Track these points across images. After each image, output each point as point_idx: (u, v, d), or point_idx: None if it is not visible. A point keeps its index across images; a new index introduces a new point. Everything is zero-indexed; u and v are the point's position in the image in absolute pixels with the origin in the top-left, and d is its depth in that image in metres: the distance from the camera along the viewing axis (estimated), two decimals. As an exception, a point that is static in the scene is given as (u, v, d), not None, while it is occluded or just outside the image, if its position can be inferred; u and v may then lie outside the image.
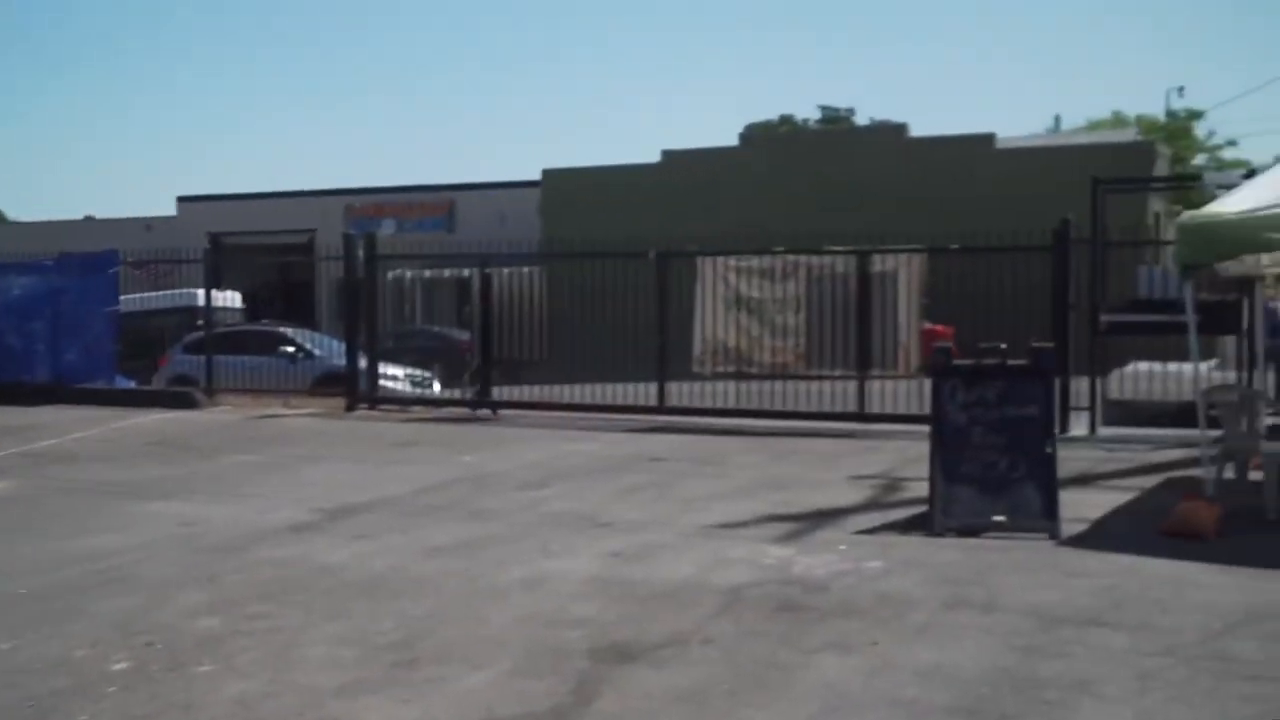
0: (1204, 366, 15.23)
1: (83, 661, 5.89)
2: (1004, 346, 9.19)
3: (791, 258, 15.06)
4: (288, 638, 6.22)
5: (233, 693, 5.41)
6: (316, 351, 20.17)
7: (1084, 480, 10.49)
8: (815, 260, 14.96)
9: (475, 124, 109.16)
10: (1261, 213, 8.22)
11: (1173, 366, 14.24)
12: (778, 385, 15.04)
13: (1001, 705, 5.12)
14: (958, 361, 9.07)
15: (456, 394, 18.19)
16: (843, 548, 8.06)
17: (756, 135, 46.36)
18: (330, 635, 6.25)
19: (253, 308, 22.74)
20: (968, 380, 8.90)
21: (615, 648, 5.96)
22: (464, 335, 21.51)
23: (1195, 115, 61.17)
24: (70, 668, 5.79)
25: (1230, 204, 8.79)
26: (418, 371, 19.50)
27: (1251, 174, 13.81)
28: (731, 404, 15.04)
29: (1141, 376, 14.14)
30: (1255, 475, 9.72)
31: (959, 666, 5.61)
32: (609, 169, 33.81)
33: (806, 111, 64.53)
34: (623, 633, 6.21)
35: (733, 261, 15.36)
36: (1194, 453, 11.96)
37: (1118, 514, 9.27)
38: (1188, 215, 8.93)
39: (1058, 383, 10.55)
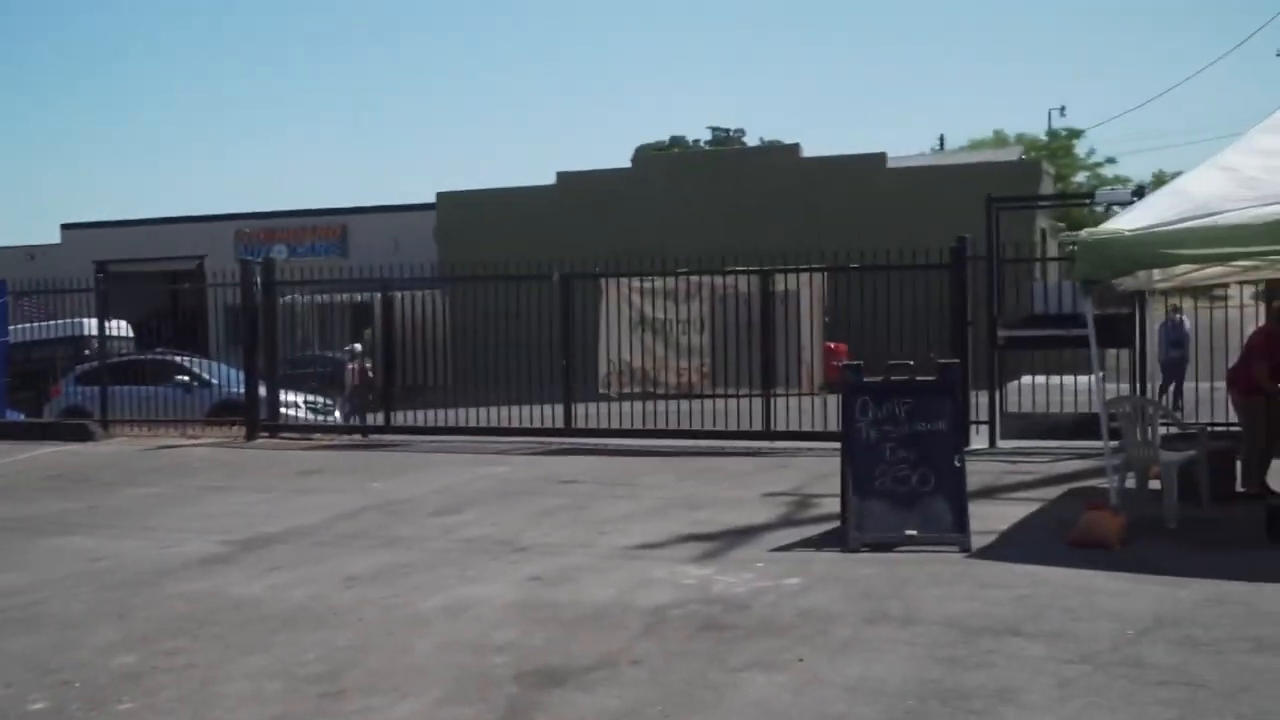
0: (1089, 380, 15.65)
1: (-3, 703, 5.74)
2: (912, 363, 9.35)
3: (695, 278, 15.15)
4: (208, 673, 6.11)
5: (156, 731, 5.30)
6: (212, 380, 19.82)
7: (988, 493, 10.69)
8: (719, 280, 15.05)
9: (367, 148, 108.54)
10: (1160, 229, 8.45)
11: (1056, 380, 14.62)
12: (684, 405, 15.11)
13: (929, 717, 5.20)
14: (868, 379, 9.17)
15: (356, 420, 17.99)
16: (760, 565, 8.13)
17: (650, 156, 46.65)
18: (252, 669, 6.15)
19: (141, 336, 22.28)
20: (877, 397, 9.03)
21: (543, 672, 5.95)
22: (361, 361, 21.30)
23: (1075, 134, 62.83)
24: (-16, 710, 5.64)
25: (1127, 221, 9.02)
26: (317, 398, 19.25)
27: (1140, 192, 14.24)
28: (638, 425, 15.06)
29: (1028, 390, 14.45)
30: (1154, 484, 10.00)
31: (885, 680, 5.68)
32: (504, 191, 33.77)
33: (697, 133, 65.24)
34: (549, 657, 6.20)
35: (637, 282, 15.41)
36: (1091, 464, 12.31)
37: (1024, 525, 9.46)
38: (1087, 232, 9.15)
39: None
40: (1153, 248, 8.61)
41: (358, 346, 19.76)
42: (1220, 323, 14.13)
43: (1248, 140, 9.89)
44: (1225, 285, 14.35)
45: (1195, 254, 8.74)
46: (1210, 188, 9.07)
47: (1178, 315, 19.50)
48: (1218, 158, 9.83)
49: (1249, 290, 17.68)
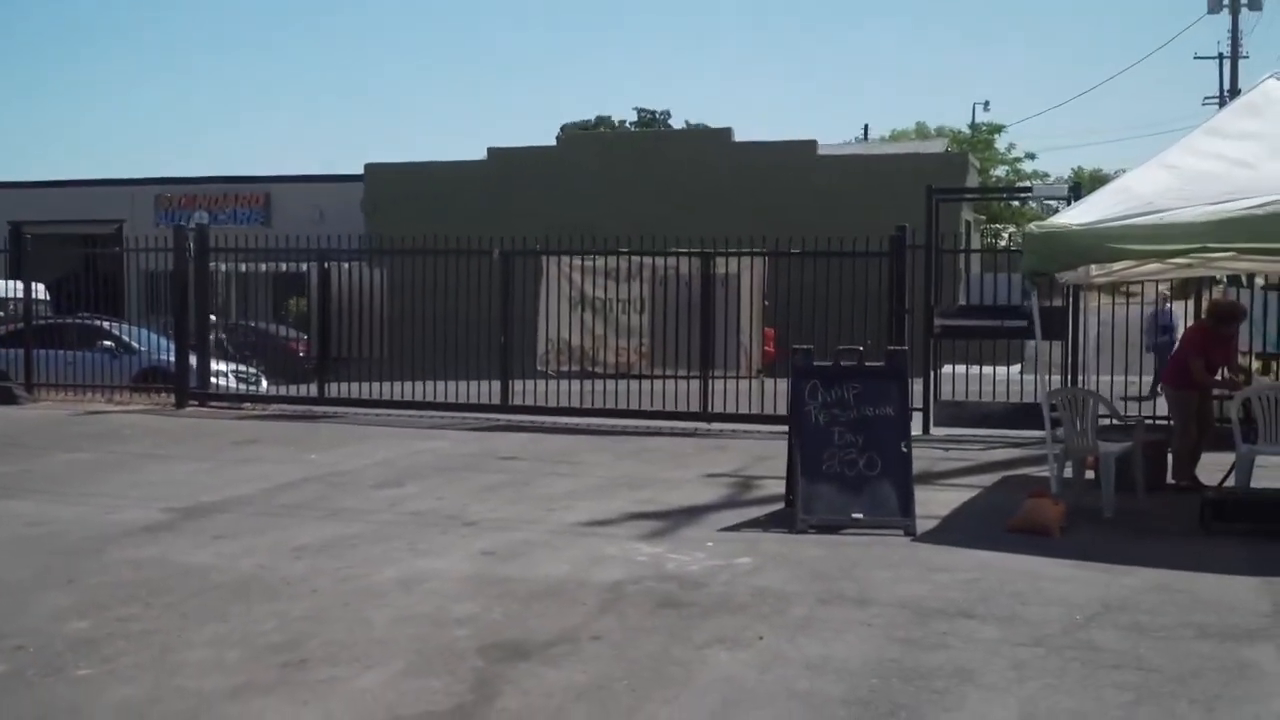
0: (1012, 370, 15.94)
1: (-52, 668, 5.63)
2: (862, 349, 9.46)
3: (636, 258, 15.16)
4: (165, 640, 6.05)
5: (118, 698, 5.24)
6: (138, 346, 19.47)
7: (926, 478, 10.82)
8: (659, 261, 15.08)
9: (293, 115, 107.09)
10: (1107, 224, 8.63)
11: (976, 370, 14.85)
12: (622, 385, 15.13)
13: (893, 695, 5.29)
14: (817, 363, 9.26)
15: (283, 391, 17.78)
16: (710, 545, 8.19)
17: (581, 134, 46.54)
18: (210, 637, 6.10)
19: (57, 300, 21.82)
20: (827, 381, 9.12)
21: (505, 646, 5.96)
22: (286, 331, 21.05)
23: (996, 129, 63.67)
24: (-64, 675, 5.53)
25: (1074, 216, 9.20)
26: (245, 368, 19.01)
27: (1077, 189, 14.54)
28: (576, 404, 15.06)
29: (950, 379, 14.65)
30: (1089, 474, 10.21)
31: (846, 659, 5.77)
32: (434, 164, 33.50)
33: (623, 113, 65.09)
34: (510, 631, 6.21)
35: (578, 261, 15.38)
36: (1023, 452, 12.56)
37: (964, 511, 9.62)
38: (1035, 225, 9.32)
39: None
40: (1100, 242, 8.79)
41: None
42: (1134, 319, 14.41)
43: (1191, 140, 10.10)
44: (1140, 283, 14.64)
45: (1141, 249, 8.91)
46: (1155, 186, 9.27)
47: (1167, 304, 19.88)
48: (1162, 156, 10.03)
49: (1163, 287, 18.09)
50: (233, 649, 5.90)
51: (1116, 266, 10.85)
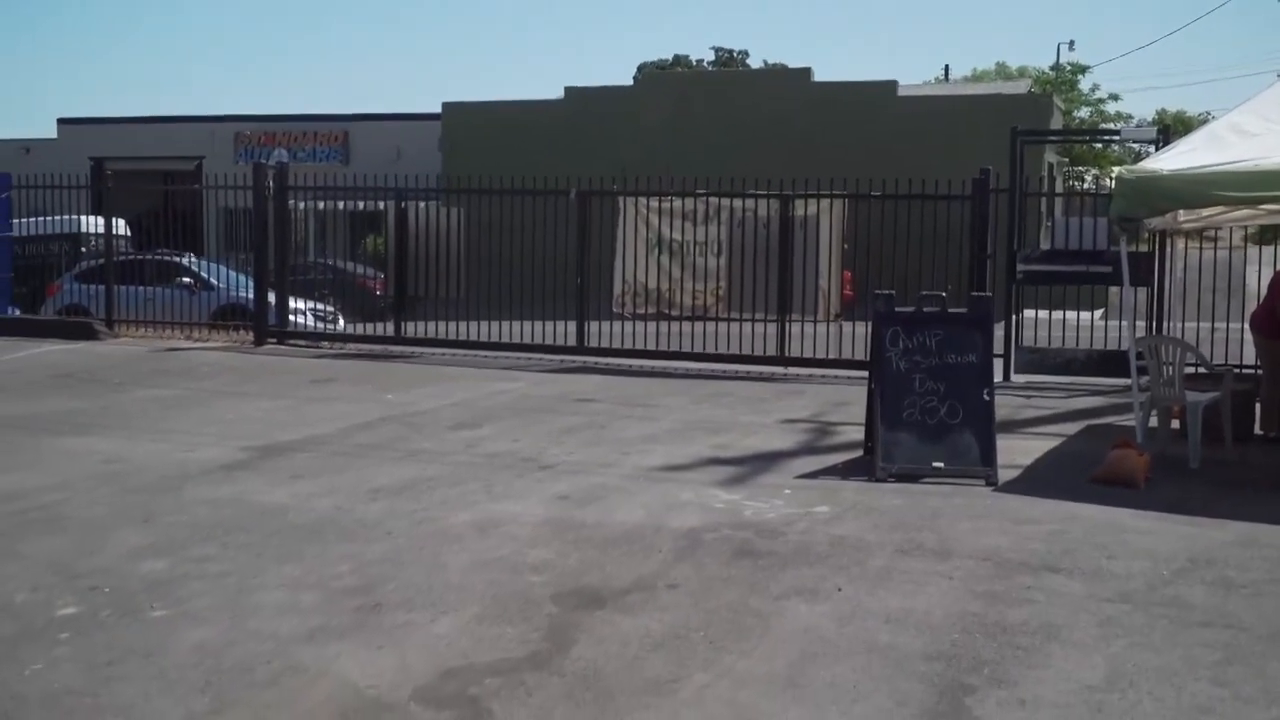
0: (1097, 315, 15.62)
1: (25, 607, 5.68)
2: (945, 294, 9.27)
3: (714, 200, 14.97)
4: (240, 581, 6.07)
5: (193, 640, 5.25)
6: (216, 283, 19.63)
7: (1007, 427, 10.60)
8: (737, 203, 14.88)
9: (371, 54, 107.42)
10: (1200, 170, 8.40)
11: (1059, 315, 14.54)
12: (698, 327, 15.00)
13: (976, 651, 5.18)
14: (899, 309, 9.09)
15: (359, 330, 17.83)
16: (788, 492, 8.09)
17: (659, 74, 46.17)
18: (285, 579, 6.11)
19: (137, 236, 22.02)
20: (909, 327, 8.95)
21: (581, 593, 5.91)
22: (361, 270, 21.10)
23: (1080, 69, 62.28)
24: (13, 613, 5.58)
25: (1165, 161, 8.96)
26: (323, 306, 19.10)
27: (1165, 132, 14.11)
28: (651, 346, 14.96)
29: (1033, 324, 14.37)
30: (1175, 424, 9.97)
31: (927, 612, 5.66)
32: (511, 104, 33.32)
33: (700, 52, 64.50)
34: (586, 578, 6.16)
35: (655, 203, 15.22)
36: (1106, 400, 12.31)
37: (1046, 461, 9.43)
38: (1126, 169, 9.08)
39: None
40: (1195, 187, 8.57)
41: None
42: (1218, 263, 13.99)
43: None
44: (1219, 228, 14.23)
45: (1238, 196, 8.65)
46: (1250, 130, 9.00)
47: None
48: (1254, 101, 9.73)
49: (1239, 233, 17.56)
50: (308, 591, 5.91)
51: (1206, 212, 10.55)
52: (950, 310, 9.09)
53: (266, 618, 5.53)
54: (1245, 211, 10.82)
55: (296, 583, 6.05)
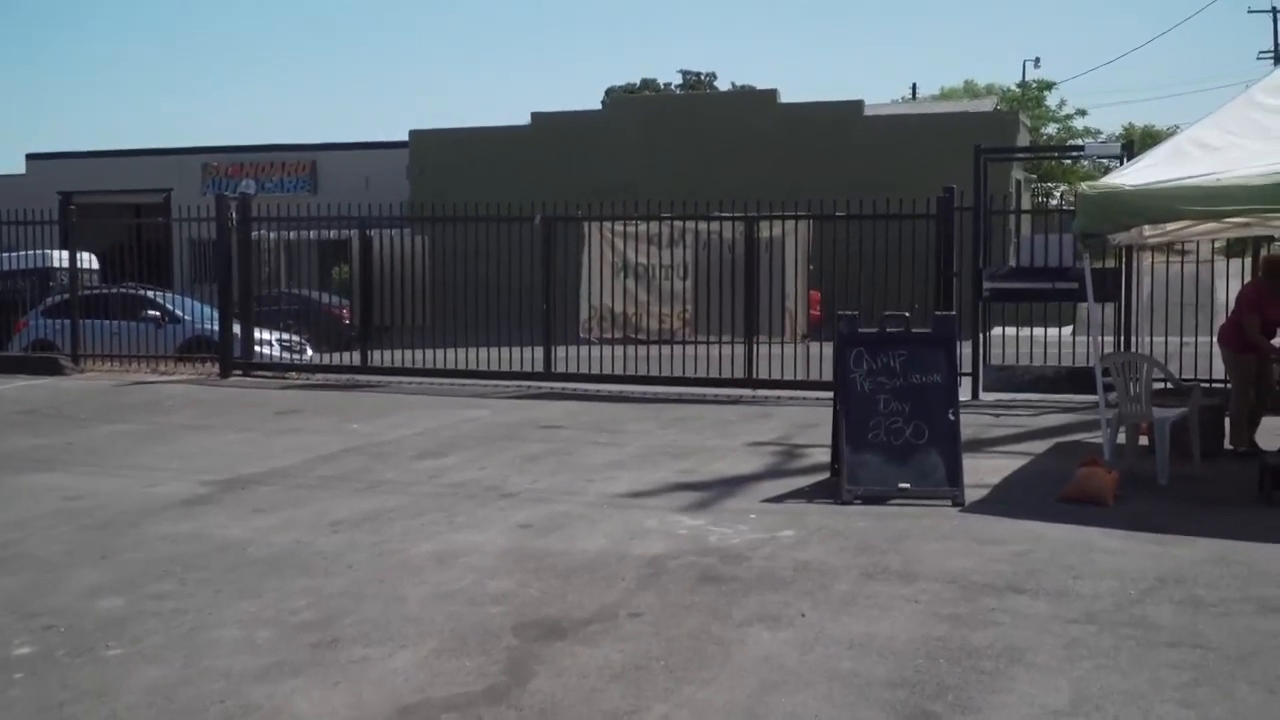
0: (1063, 332, 15.63)
1: (-22, 646, 5.57)
2: (908, 314, 9.24)
3: (679, 223, 14.94)
4: (197, 619, 5.96)
5: (147, 679, 5.15)
6: (183, 315, 19.49)
7: (976, 446, 10.60)
8: (702, 226, 14.85)
9: (338, 84, 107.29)
10: (1163, 184, 8.38)
11: (1027, 332, 14.56)
12: (665, 351, 14.95)
13: (940, 676, 5.11)
14: (862, 329, 9.05)
15: (327, 360, 17.73)
16: (753, 517, 8.03)
17: (626, 98, 46.24)
18: (242, 615, 6.01)
19: (106, 269, 21.89)
20: (872, 348, 8.91)
21: (541, 624, 5.83)
22: (330, 299, 20.99)
23: (1046, 86, 62.71)
24: (-34, 653, 5.47)
25: (1128, 176, 8.95)
26: (290, 337, 18.97)
27: (1129, 147, 14.16)
28: (619, 370, 14.90)
29: (1001, 342, 14.39)
30: (1143, 440, 9.95)
31: (891, 637, 5.60)
32: (479, 130, 33.35)
33: (668, 76, 64.69)
34: (547, 608, 6.08)
35: (620, 226, 15.18)
36: (1075, 417, 12.29)
37: (1014, 479, 9.39)
38: (1088, 185, 9.07)
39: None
40: (1155, 202, 8.56)
41: None
42: (1188, 278, 14.04)
43: (1247, 98, 9.79)
44: (1193, 241, 14.27)
45: (1197, 210, 8.67)
46: (1211, 144, 9.01)
47: None
48: (1217, 114, 9.74)
49: (1215, 245, 17.60)
50: (264, 628, 5.81)
51: (1171, 226, 10.55)
52: (914, 330, 9.05)
53: (221, 655, 5.43)
54: (1210, 225, 10.83)
55: (253, 619, 5.95)
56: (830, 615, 5.94)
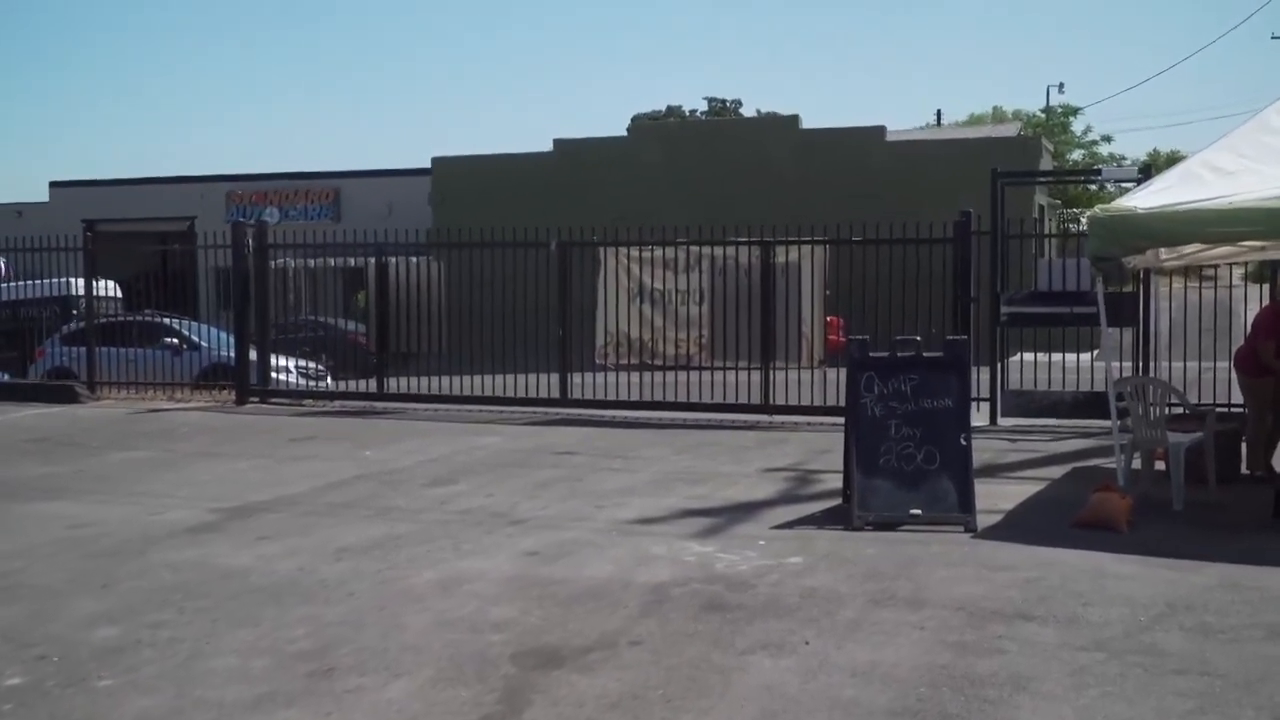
0: (1085, 357, 15.49)
1: (-28, 676, 5.54)
2: (919, 339, 9.15)
3: (695, 249, 14.90)
4: (193, 648, 5.92)
5: (137, 710, 5.11)
6: (201, 343, 19.54)
7: (991, 471, 10.49)
8: (719, 251, 14.80)
9: (362, 111, 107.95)
10: (1175, 207, 8.29)
11: (1045, 358, 14.44)
12: (681, 377, 14.88)
13: (943, 705, 5.02)
14: (873, 354, 8.97)
15: (347, 386, 17.72)
16: (762, 543, 7.94)
17: (648, 125, 46.34)
18: (239, 644, 5.96)
19: (129, 297, 22.01)
20: (883, 373, 8.83)
21: (541, 652, 5.76)
22: (351, 326, 21.01)
23: (1072, 111, 62.69)
24: (-42, 683, 5.43)
25: (1141, 199, 8.85)
26: (309, 363, 18.99)
27: (1147, 170, 14.07)
28: (635, 396, 14.83)
29: (1021, 367, 14.26)
30: (1159, 465, 9.83)
31: (895, 665, 5.51)
32: (501, 157, 33.41)
33: (693, 103, 64.77)
34: (547, 636, 6.02)
35: (636, 252, 15.14)
36: (1093, 443, 12.15)
37: (1028, 505, 9.28)
38: (1100, 208, 8.99)
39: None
40: (1167, 225, 8.47)
41: None
42: (1210, 302, 13.91)
43: (1260, 121, 9.69)
44: (1215, 266, 14.13)
45: (1209, 233, 8.57)
46: (1225, 167, 8.92)
47: None
48: (1230, 138, 9.64)
49: (1238, 271, 17.43)
50: (260, 657, 5.76)
51: (1188, 249, 10.46)
52: (925, 354, 8.96)
53: (214, 685, 5.38)
54: (1226, 249, 10.73)
55: (250, 648, 5.90)
56: (834, 643, 5.85)
